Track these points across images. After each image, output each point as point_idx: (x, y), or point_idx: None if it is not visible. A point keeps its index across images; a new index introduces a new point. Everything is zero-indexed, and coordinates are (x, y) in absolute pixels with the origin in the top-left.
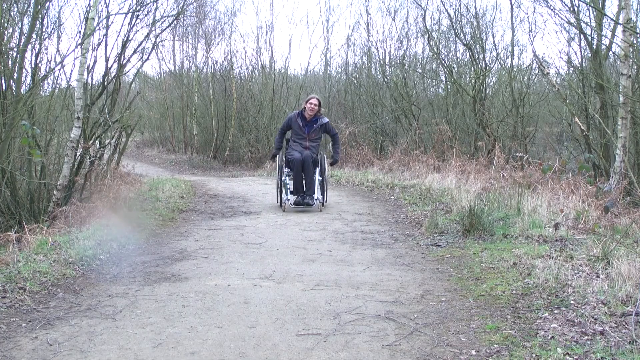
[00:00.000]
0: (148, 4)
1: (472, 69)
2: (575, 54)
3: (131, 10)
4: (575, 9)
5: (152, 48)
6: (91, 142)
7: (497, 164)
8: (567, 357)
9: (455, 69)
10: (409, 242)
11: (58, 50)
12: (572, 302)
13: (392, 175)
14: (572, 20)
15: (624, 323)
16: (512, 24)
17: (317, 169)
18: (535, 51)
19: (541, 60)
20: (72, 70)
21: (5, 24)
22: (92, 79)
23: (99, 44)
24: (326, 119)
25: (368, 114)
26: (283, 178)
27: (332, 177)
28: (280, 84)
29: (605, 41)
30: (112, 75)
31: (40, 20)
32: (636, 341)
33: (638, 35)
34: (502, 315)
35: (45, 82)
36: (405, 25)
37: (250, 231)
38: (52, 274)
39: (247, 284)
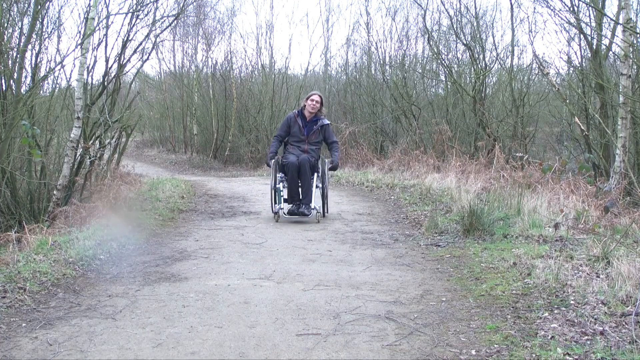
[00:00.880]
0: (148, 4)
1: (472, 69)
2: (575, 54)
3: (131, 10)
4: (575, 9)
5: (152, 48)
6: (91, 142)
7: (497, 164)
8: (567, 357)
9: (455, 69)
10: (409, 242)
11: (58, 50)
12: (572, 302)
13: (392, 175)
14: (572, 20)
15: (624, 323)
16: (512, 24)
17: (315, 176)
18: (535, 51)
19: (541, 60)
20: (72, 70)
21: (5, 24)
22: (92, 79)
23: (99, 44)
24: (327, 121)
25: (368, 114)
26: (278, 185)
27: (332, 177)
28: (280, 84)
29: (605, 41)
30: (112, 75)
31: (40, 20)
32: (636, 341)
33: (638, 35)
34: (502, 315)
35: (45, 82)
36: (405, 25)
37: (250, 231)
38: (52, 274)
39: (247, 284)
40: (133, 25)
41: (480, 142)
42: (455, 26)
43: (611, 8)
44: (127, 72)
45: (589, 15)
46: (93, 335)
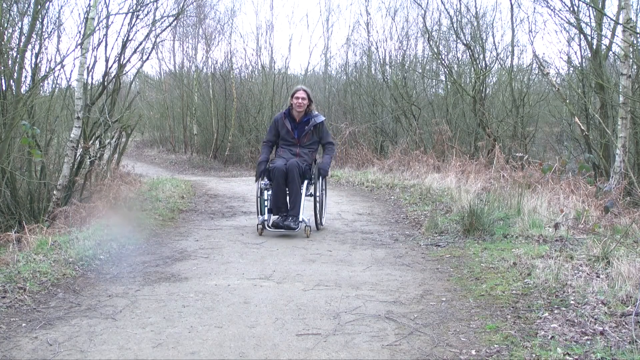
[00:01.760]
0: (148, 4)
1: (472, 69)
2: (575, 54)
3: (131, 10)
4: (575, 9)
5: (152, 48)
6: (91, 142)
7: (497, 164)
8: (567, 357)
9: (455, 69)
10: (409, 242)
11: (58, 50)
12: (572, 302)
13: (392, 175)
14: (572, 20)
15: (624, 323)
16: (512, 24)
17: (306, 183)
18: (535, 51)
19: (541, 60)
20: (72, 70)
21: (5, 24)
22: (92, 79)
23: (99, 44)
24: (321, 117)
25: (368, 114)
26: (264, 196)
27: (332, 177)
28: (280, 84)
29: (605, 41)
30: (112, 75)
31: (40, 20)
32: (636, 341)
33: (638, 35)
34: (502, 315)
35: (45, 82)
36: (405, 25)
37: (250, 231)
38: (52, 274)
39: (247, 284)
40: (133, 25)
41: (480, 142)
42: (455, 26)
43: (611, 8)
44: (127, 72)
45: (589, 15)
46: (93, 335)
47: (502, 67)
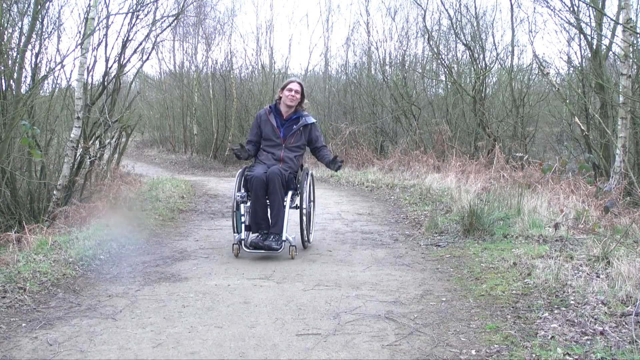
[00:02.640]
0: (148, 4)
1: (472, 69)
2: (575, 54)
3: (131, 10)
4: (575, 9)
5: (152, 48)
6: (91, 142)
7: (497, 164)
8: (567, 357)
9: (455, 69)
10: (409, 242)
11: (58, 50)
12: (572, 302)
13: (392, 175)
14: (572, 20)
15: (624, 323)
16: (512, 24)
17: (290, 194)
18: (535, 51)
19: (541, 60)
20: (72, 70)
21: (5, 24)
22: (92, 79)
23: (99, 44)
24: (312, 119)
25: (368, 114)
26: (241, 211)
27: (332, 177)
28: (281, 84)
29: (605, 41)
30: (112, 75)
31: (40, 20)
32: (636, 341)
33: (638, 35)
34: (502, 315)
35: (45, 82)
36: (405, 25)
37: None
38: (52, 274)
39: (247, 284)
40: (133, 25)
41: (480, 142)
42: (455, 26)
43: (611, 8)
44: (127, 72)
45: (589, 15)
46: (93, 335)
47: (502, 67)
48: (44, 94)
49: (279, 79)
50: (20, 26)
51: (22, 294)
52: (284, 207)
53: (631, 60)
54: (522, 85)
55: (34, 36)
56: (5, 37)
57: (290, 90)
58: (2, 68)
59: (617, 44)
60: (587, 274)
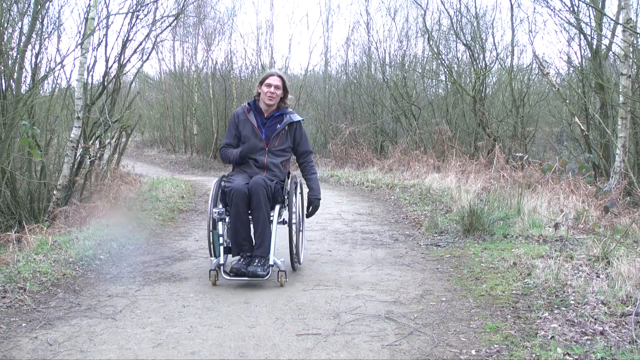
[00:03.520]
0: (148, 4)
1: (472, 68)
2: (575, 54)
3: (131, 10)
4: (575, 9)
5: (152, 48)
6: (91, 142)
7: (497, 164)
8: (567, 357)
9: (455, 69)
10: (409, 242)
11: (58, 50)
12: (572, 302)
13: (392, 175)
14: (572, 20)
15: (624, 323)
16: (512, 24)
17: (278, 208)
18: (535, 51)
19: (541, 60)
20: (72, 70)
21: (5, 24)
22: (92, 79)
23: (99, 44)
24: (297, 116)
25: (368, 114)
26: (219, 230)
27: (331, 177)
28: None
29: (605, 41)
30: (112, 75)
31: (40, 20)
32: (636, 341)
33: (638, 35)
34: (502, 315)
35: (45, 82)
36: (405, 25)
37: None
38: (52, 274)
39: (247, 283)
40: (133, 25)
41: (480, 142)
42: (455, 26)
43: (611, 8)
44: (127, 72)
45: (589, 15)
46: (93, 335)
47: (502, 67)
48: (44, 94)
49: None
50: (20, 26)
51: (22, 294)
52: (271, 224)
53: (631, 60)
54: (522, 85)
55: (34, 36)
56: (5, 37)
57: (269, 85)
58: (2, 68)
59: (617, 44)
60: (587, 274)
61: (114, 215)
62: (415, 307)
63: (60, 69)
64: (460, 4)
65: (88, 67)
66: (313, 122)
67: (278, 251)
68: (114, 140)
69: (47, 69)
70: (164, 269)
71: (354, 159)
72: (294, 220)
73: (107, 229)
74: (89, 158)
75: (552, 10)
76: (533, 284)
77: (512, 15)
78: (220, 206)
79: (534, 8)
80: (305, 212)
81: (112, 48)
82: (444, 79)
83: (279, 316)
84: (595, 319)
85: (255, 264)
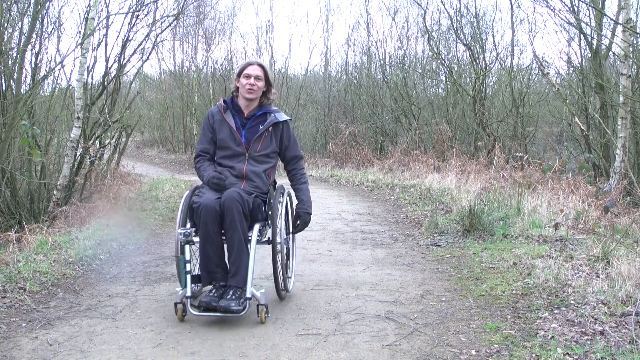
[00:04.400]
0: (148, 4)
1: (472, 69)
2: (575, 54)
3: (131, 10)
4: (575, 9)
5: (152, 48)
6: (91, 142)
7: (497, 164)
8: (567, 357)
9: (455, 69)
10: (409, 242)
11: (58, 50)
12: (572, 302)
13: (392, 175)
14: (572, 20)
15: (624, 323)
16: (512, 24)
17: (257, 227)
18: (535, 51)
19: (541, 60)
20: (72, 70)
21: (5, 24)
22: (92, 79)
23: (99, 44)
24: (283, 115)
25: (368, 114)
26: (187, 255)
27: (331, 177)
28: (280, 84)
29: (605, 41)
30: (112, 75)
31: (40, 20)
32: (636, 341)
33: (638, 35)
34: (502, 315)
35: (45, 82)
36: (405, 25)
37: None
38: (52, 274)
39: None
40: (133, 25)
41: (480, 142)
42: (455, 26)
43: (611, 8)
44: (127, 72)
45: (589, 15)
46: (93, 335)
47: (502, 67)
48: (44, 94)
49: (279, 79)
50: (20, 26)
51: (22, 294)
52: (248, 247)
53: (631, 60)
54: (522, 85)
55: (34, 36)
56: (5, 37)
57: (248, 76)
58: (2, 68)
59: (617, 44)
60: (587, 274)
61: (114, 215)
62: (415, 307)
63: (60, 69)
64: (460, 4)
65: (88, 67)
66: (313, 122)
67: (260, 280)
68: (114, 140)
69: (47, 69)
70: (164, 269)
71: (354, 159)
72: (278, 240)
73: (107, 229)
74: (89, 158)
75: (552, 10)
76: (533, 284)
77: (512, 15)
78: (188, 225)
79: (534, 8)
80: (294, 226)
81: (112, 48)
82: (444, 79)
83: (279, 316)
84: (595, 319)
85: (229, 296)
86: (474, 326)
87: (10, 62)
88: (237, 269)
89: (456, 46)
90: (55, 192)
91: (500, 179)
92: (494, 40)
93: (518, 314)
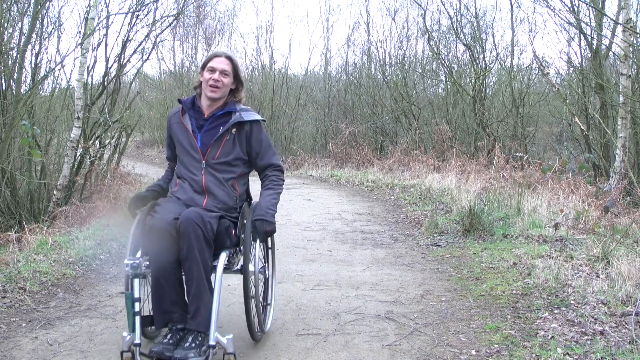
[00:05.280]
0: (148, 4)
1: (472, 69)
2: (575, 54)
3: (131, 10)
4: (575, 9)
5: (152, 48)
6: (91, 142)
7: (497, 164)
8: (567, 357)
9: (455, 69)
10: (409, 242)
11: (58, 50)
12: (572, 302)
13: (392, 175)
14: (572, 20)
15: (624, 323)
16: (512, 24)
17: (224, 256)
18: (535, 51)
19: (541, 60)
20: (72, 70)
21: (5, 24)
22: (92, 79)
23: (99, 44)
24: (254, 115)
25: (368, 114)
26: (136, 292)
27: (331, 177)
28: (280, 84)
29: (605, 41)
30: (112, 75)
31: (40, 20)
32: (636, 341)
33: (638, 35)
34: (502, 315)
35: (45, 82)
36: (405, 25)
37: None
38: (52, 274)
39: None
40: (133, 25)
41: (480, 142)
42: (455, 26)
43: (611, 8)
44: (127, 72)
45: (589, 15)
46: (93, 335)
47: (502, 67)
48: (44, 94)
49: (279, 79)
50: (20, 26)
51: (22, 294)
52: (209, 282)
53: (631, 60)
54: (522, 85)
55: (34, 36)
56: (5, 37)
57: (212, 70)
58: (2, 68)
59: (617, 44)
60: (587, 274)
61: (114, 215)
62: (415, 307)
63: (60, 69)
64: (460, 4)
65: (88, 67)
66: (313, 122)
67: (228, 318)
68: (114, 140)
69: (47, 69)
70: None
71: (354, 159)
72: (251, 268)
73: (107, 229)
74: (89, 158)
75: (552, 10)
76: (533, 284)
77: (512, 15)
78: (138, 254)
79: (534, 8)
80: (266, 245)
81: (112, 48)
82: (444, 79)
83: (279, 316)
84: (595, 319)
85: (187, 344)
86: (474, 326)
87: (10, 62)
88: (197, 309)
89: (456, 46)
90: (55, 192)
91: (500, 179)
92: (494, 40)
93: (518, 314)
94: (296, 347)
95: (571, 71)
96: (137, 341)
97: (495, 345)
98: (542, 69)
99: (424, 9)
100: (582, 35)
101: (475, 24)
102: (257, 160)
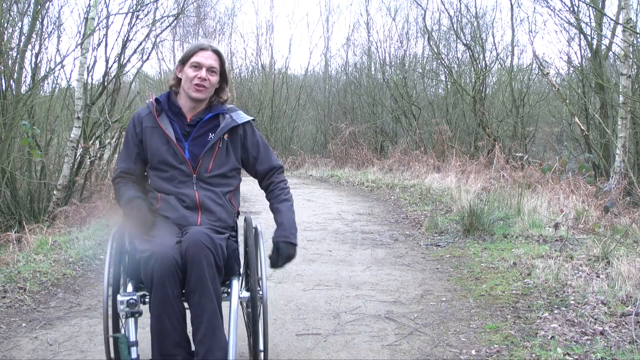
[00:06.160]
0: (148, 4)
1: (472, 69)
2: (575, 54)
3: (131, 10)
4: (575, 9)
5: (152, 48)
6: (91, 142)
7: (497, 164)
8: (567, 357)
9: (455, 69)
10: (409, 242)
11: (58, 50)
12: (572, 302)
13: (392, 175)
14: (572, 20)
15: (624, 323)
16: (512, 24)
17: (237, 284)
18: (535, 51)
19: (541, 60)
20: (72, 70)
21: (5, 24)
22: (92, 79)
23: (99, 44)
24: (244, 115)
25: (368, 114)
26: (130, 332)
27: (331, 177)
28: (280, 84)
29: (605, 41)
30: (112, 75)
31: (40, 20)
32: (636, 341)
33: (638, 35)
34: (502, 315)
35: (45, 82)
36: (405, 25)
37: None
38: (52, 274)
39: None
40: (133, 25)
41: (480, 142)
42: (455, 26)
43: (611, 8)
44: (127, 72)
45: (589, 15)
46: (93, 335)
47: (502, 67)
48: (44, 94)
49: (279, 79)
50: (20, 26)
51: (22, 294)
52: (220, 314)
53: (631, 60)
54: (522, 85)
55: (34, 36)
56: (5, 37)
57: (198, 66)
58: (2, 68)
59: (617, 44)
60: (587, 274)
61: (114, 215)
62: (415, 307)
63: (60, 69)
64: (460, 4)
65: (88, 67)
66: (313, 122)
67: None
68: (114, 140)
69: (47, 69)
70: None
71: (354, 159)
72: (245, 294)
73: (107, 229)
74: (89, 158)
75: (552, 10)
76: (533, 284)
77: (512, 15)
78: (130, 288)
79: (534, 8)
80: (270, 260)
81: (112, 48)
82: (444, 79)
83: (279, 316)
84: (595, 319)
85: None
86: (474, 326)
87: (10, 62)
88: (208, 350)
89: (456, 46)
90: (55, 192)
91: (500, 179)
92: (494, 40)
93: (518, 314)
94: (296, 347)
95: (571, 71)
96: None
97: (495, 345)
98: (542, 69)
99: (424, 9)
100: (582, 35)
101: (475, 24)
102: (256, 166)
